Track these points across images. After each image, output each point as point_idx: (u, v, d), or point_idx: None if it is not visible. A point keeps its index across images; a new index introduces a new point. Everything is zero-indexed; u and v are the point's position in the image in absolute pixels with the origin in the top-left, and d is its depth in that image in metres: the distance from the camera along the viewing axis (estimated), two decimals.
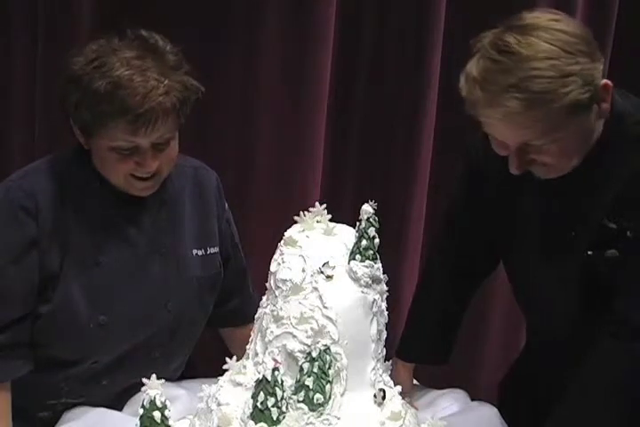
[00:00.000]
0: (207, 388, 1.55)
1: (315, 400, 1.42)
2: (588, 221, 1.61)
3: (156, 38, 1.67)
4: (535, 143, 1.52)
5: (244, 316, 1.91)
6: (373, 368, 1.52)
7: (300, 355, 1.46)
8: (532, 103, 1.46)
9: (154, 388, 1.36)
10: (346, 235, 1.57)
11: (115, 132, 1.63)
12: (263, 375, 1.39)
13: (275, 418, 1.39)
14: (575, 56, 1.48)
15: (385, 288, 1.57)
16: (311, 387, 1.42)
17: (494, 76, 1.47)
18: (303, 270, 1.51)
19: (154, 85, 1.61)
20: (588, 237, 1.62)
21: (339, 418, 1.44)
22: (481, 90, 1.49)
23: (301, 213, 1.59)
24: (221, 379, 1.55)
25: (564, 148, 1.54)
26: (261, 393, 1.39)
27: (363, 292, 1.51)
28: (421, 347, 1.91)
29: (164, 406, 1.36)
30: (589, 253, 1.61)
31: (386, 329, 1.57)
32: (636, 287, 1.58)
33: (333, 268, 1.51)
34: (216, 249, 1.89)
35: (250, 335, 1.60)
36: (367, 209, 1.52)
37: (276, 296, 1.52)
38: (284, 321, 1.49)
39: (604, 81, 1.52)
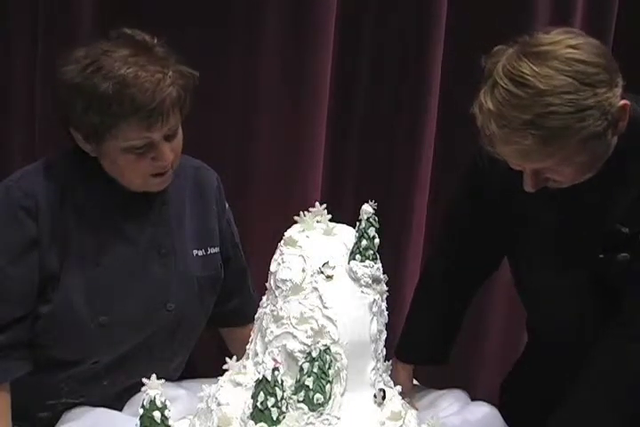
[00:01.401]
0: (207, 388, 1.55)
1: (315, 400, 1.42)
2: (599, 225, 1.60)
3: (142, 34, 1.68)
4: (551, 168, 1.52)
5: (244, 316, 1.92)
6: (373, 368, 1.52)
7: (299, 355, 1.45)
8: (547, 139, 1.44)
9: (154, 388, 1.36)
10: (346, 235, 1.57)
11: (128, 131, 1.63)
12: (263, 375, 1.39)
13: (275, 418, 1.39)
14: (593, 88, 1.44)
15: (385, 288, 1.56)
16: (311, 387, 1.42)
17: (510, 112, 1.45)
18: (303, 270, 1.51)
19: (160, 78, 1.62)
20: (598, 241, 1.61)
21: (339, 418, 1.44)
22: (496, 125, 1.47)
23: (301, 213, 1.59)
24: (221, 379, 1.55)
25: (579, 169, 1.53)
26: (261, 393, 1.39)
27: (363, 292, 1.51)
28: (421, 348, 1.91)
29: (164, 406, 1.36)
30: (601, 256, 1.61)
31: (386, 329, 1.57)
32: None
33: (333, 268, 1.51)
34: (216, 249, 1.89)
35: (250, 335, 1.60)
36: (367, 209, 1.52)
37: (275, 296, 1.52)
38: (284, 321, 1.49)
39: (622, 102, 1.49)
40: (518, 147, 1.47)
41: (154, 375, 1.38)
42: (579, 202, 1.62)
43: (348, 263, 1.53)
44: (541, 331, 1.89)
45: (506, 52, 1.50)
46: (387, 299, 1.57)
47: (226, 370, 1.54)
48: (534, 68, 1.44)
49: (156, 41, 1.68)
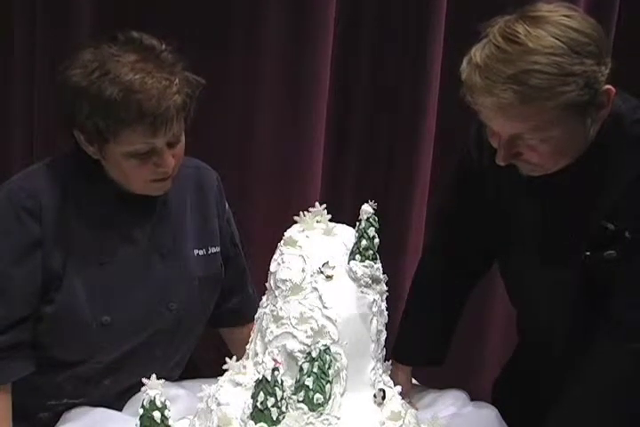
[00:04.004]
0: (207, 388, 1.55)
1: (315, 400, 1.42)
2: (587, 222, 1.60)
3: (150, 39, 1.67)
4: (526, 137, 1.51)
5: (244, 316, 1.92)
6: (373, 368, 1.52)
7: (299, 355, 1.46)
8: (527, 97, 1.45)
9: (154, 388, 1.36)
10: (346, 235, 1.57)
11: (132, 137, 1.63)
12: (263, 375, 1.39)
13: (275, 418, 1.39)
14: (581, 56, 1.45)
15: (385, 288, 1.56)
16: (311, 387, 1.42)
17: (495, 65, 1.46)
18: (303, 270, 1.51)
19: (166, 85, 1.62)
20: (586, 239, 1.61)
21: (339, 418, 1.44)
22: (480, 77, 1.48)
23: (301, 213, 1.59)
24: (221, 379, 1.55)
25: (552, 148, 1.53)
26: (261, 393, 1.39)
27: (363, 292, 1.51)
28: (419, 349, 1.90)
29: (164, 406, 1.36)
30: (587, 253, 1.61)
31: (385, 329, 1.57)
32: (633, 288, 1.57)
33: (333, 268, 1.51)
34: (217, 249, 1.89)
35: (250, 335, 1.60)
36: (367, 209, 1.52)
37: (275, 296, 1.52)
38: (284, 321, 1.49)
39: (607, 86, 1.50)
40: (497, 100, 1.47)
41: (154, 375, 1.38)
42: (563, 199, 1.63)
43: (348, 263, 1.53)
44: (531, 330, 1.89)
45: (504, 18, 1.52)
46: (387, 299, 1.57)
47: (226, 370, 1.54)
48: (528, 28, 1.47)
49: (164, 46, 1.67)
